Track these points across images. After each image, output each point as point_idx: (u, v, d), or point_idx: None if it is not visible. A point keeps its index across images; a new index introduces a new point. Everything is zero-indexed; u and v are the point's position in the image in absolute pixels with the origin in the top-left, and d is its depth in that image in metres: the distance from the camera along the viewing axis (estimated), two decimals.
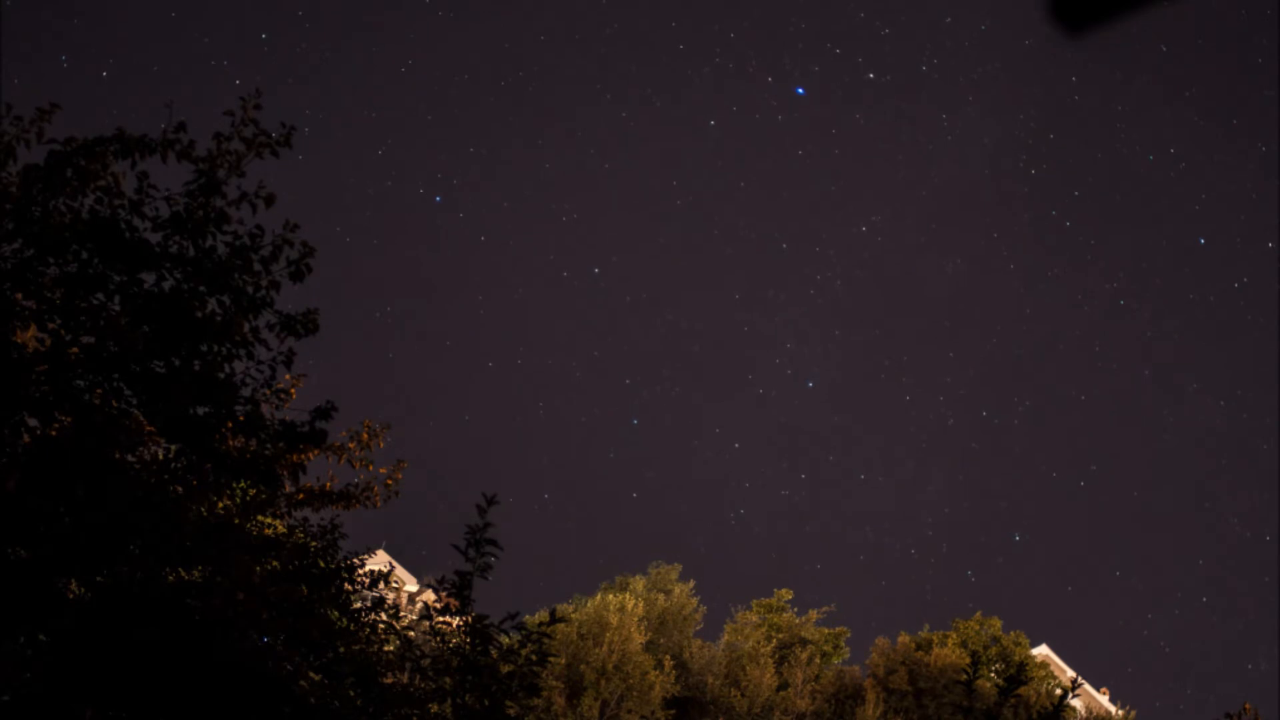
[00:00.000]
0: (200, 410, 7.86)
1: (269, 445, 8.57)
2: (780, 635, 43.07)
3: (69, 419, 7.53)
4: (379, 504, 11.03)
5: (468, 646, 8.54)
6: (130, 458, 8.02)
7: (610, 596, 37.26)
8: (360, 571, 10.44)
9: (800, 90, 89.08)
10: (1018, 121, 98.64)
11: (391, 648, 10.36)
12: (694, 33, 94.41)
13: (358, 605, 10.47)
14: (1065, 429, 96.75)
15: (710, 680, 38.65)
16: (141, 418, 7.90)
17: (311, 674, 8.89)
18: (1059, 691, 40.06)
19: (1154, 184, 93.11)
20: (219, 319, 7.80)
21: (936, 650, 41.51)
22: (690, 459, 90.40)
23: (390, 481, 11.01)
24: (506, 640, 9.01)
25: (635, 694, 35.12)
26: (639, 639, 36.01)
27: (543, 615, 8.90)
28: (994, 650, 43.57)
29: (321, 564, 9.77)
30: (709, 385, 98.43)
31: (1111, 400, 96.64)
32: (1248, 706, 10.83)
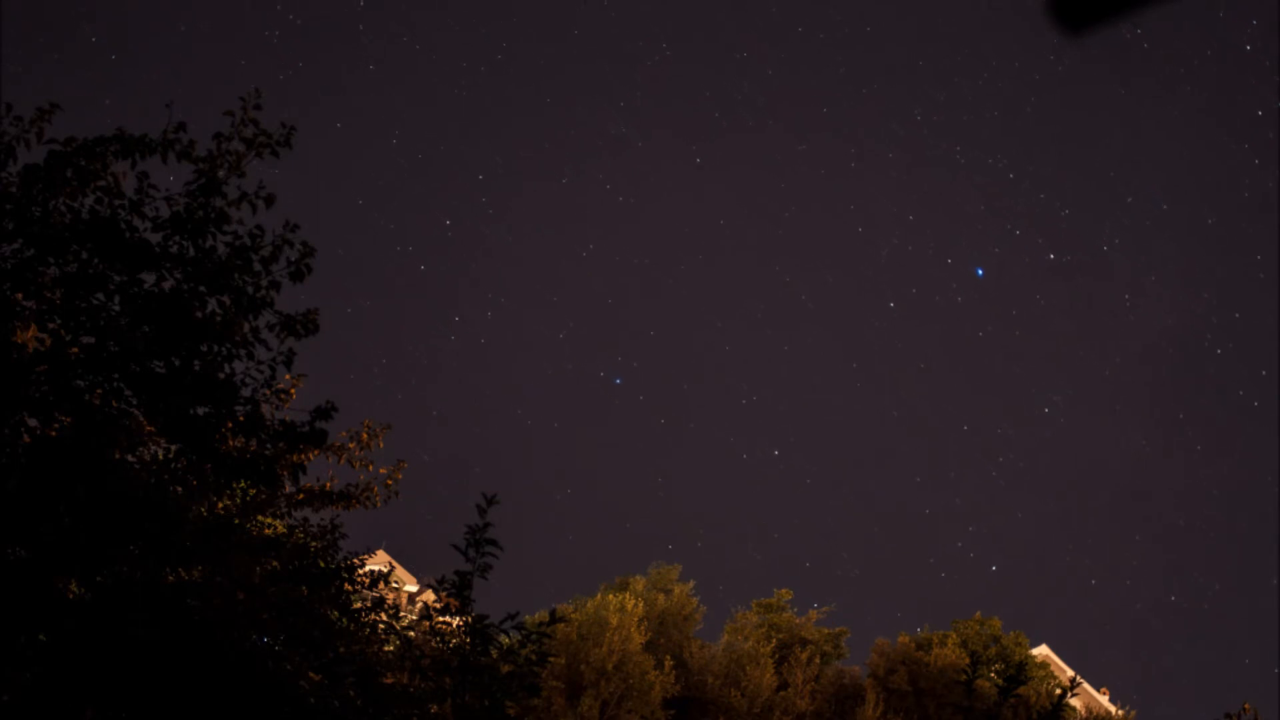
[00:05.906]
0: (200, 410, 7.86)
1: (269, 445, 8.57)
2: (780, 635, 43.06)
3: (69, 419, 7.52)
4: (379, 504, 11.04)
5: (468, 646, 8.54)
6: (130, 458, 8.01)
7: (610, 596, 37.23)
8: (360, 571, 10.45)
9: (980, 271, 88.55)
10: (1201, 300, 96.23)
11: (391, 648, 10.37)
12: (873, 215, 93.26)
13: (358, 605, 10.48)
14: (1259, 614, 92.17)
15: (710, 680, 38.62)
16: (141, 418, 7.89)
17: (311, 674, 8.88)
18: (1059, 691, 40.05)
19: None
20: (219, 319, 7.80)
21: (936, 650, 41.50)
22: (863, 642, 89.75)
23: (390, 481, 11.02)
24: (506, 640, 9.01)
25: (635, 694, 35.10)
26: (639, 639, 35.98)
27: (543, 615, 8.91)
28: (994, 650, 43.58)
29: (321, 564, 9.78)
30: (889, 569, 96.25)
31: None
32: (1247, 706, 10.82)
